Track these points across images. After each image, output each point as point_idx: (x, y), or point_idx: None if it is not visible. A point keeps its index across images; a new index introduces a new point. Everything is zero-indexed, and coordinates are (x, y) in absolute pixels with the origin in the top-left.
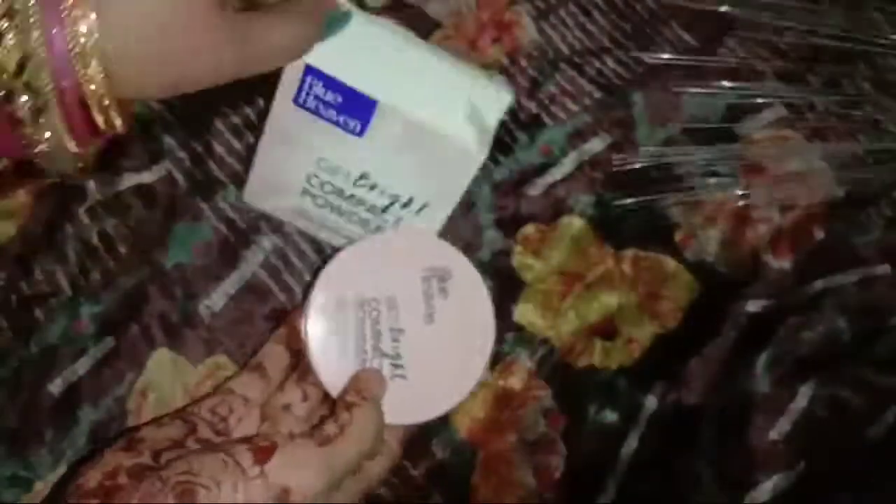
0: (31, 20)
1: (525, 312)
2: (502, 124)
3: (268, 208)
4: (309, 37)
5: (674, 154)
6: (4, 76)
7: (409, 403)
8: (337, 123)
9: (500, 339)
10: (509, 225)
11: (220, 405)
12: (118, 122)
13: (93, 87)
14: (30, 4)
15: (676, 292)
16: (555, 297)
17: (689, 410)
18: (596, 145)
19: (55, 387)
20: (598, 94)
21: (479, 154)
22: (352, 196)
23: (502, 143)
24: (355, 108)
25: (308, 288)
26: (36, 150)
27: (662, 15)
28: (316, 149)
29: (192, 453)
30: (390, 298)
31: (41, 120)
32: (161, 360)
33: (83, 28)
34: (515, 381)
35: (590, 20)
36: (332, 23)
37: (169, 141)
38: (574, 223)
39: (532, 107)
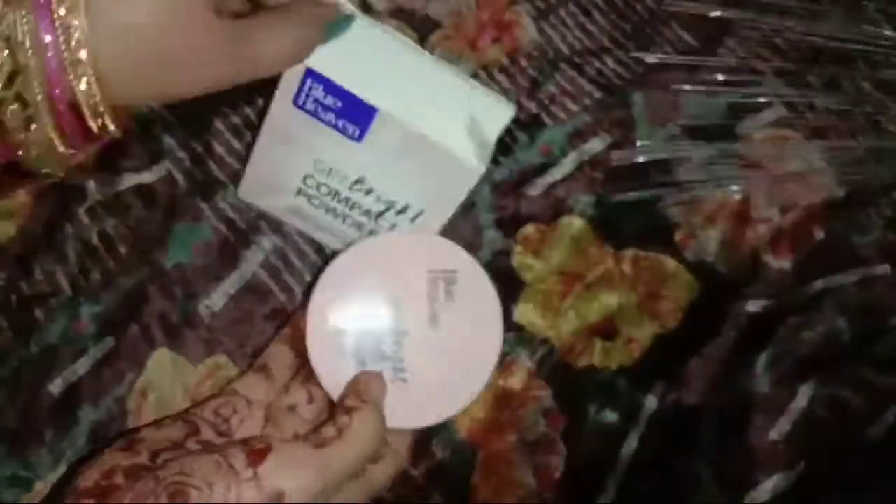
0: (22, 30)
1: (525, 312)
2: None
3: (263, 206)
4: (309, 43)
5: (674, 154)
6: None
7: (411, 408)
8: (336, 127)
9: None
10: (509, 225)
11: (223, 406)
12: (113, 127)
13: (86, 95)
14: (21, 14)
15: (676, 292)
16: (555, 297)
17: (689, 410)
18: (596, 145)
19: (55, 387)
20: (598, 94)
21: (477, 167)
22: (347, 199)
23: (502, 143)
24: (355, 114)
25: (309, 288)
26: (27, 156)
27: (662, 15)
28: (314, 150)
29: (189, 454)
30: (393, 300)
31: (32, 127)
32: (161, 360)
33: (76, 37)
34: (515, 381)
35: (590, 20)
36: (334, 26)
37: (169, 141)
38: (574, 223)
39: (532, 107)
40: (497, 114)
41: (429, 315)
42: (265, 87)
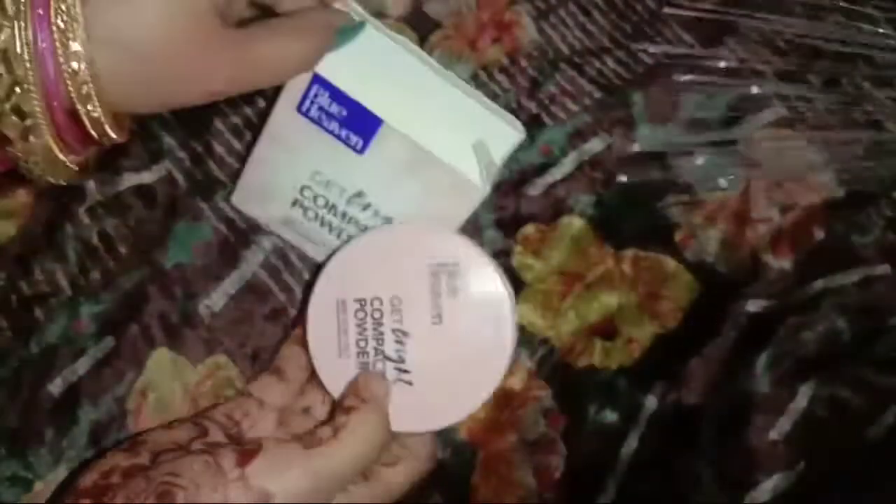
0: (20, 42)
1: (525, 312)
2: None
3: (255, 214)
4: (318, 51)
5: (673, 153)
6: None
7: (416, 410)
8: (339, 137)
9: None
10: (509, 225)
11: (234, 409)
12: (113, 134)
13: (86, 105)
14: (19, 25)
15: (676, 292)
16: (555, 297)
17: (689, 410)
18: (596, 145)
19: (55, 387)
20: (598, 94)
21: (481, 188)
22: (344, 213)
23: None
24: (359, 125)
25: (308, 288)
26: (27, 165)
27: (662, 15)
28: (313, 160)
29: (184, 455)
30: (394, 297)
31: (31, 138)
32: (161, 360)
33: (74, 48)
34: (515, 381)
35: (590, 20)
36: (344, 33)
37: (169, 141)
38: (574, 223)
39: (532, 107)
40: (506, 135)
41: (431, 312)
42: (266, 88)
